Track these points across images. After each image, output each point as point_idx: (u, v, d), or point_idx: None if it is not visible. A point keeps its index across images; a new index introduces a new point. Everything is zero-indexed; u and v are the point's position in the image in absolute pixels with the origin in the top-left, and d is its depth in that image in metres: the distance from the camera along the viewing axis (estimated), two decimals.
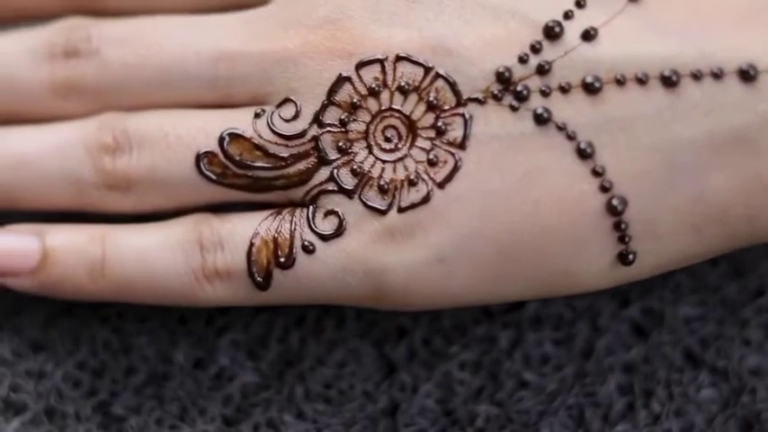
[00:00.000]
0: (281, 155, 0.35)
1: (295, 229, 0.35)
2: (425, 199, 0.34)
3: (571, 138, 0.34)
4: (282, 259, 0.34)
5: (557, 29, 0.34)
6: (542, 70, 0.34)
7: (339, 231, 0.34)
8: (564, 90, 0.34)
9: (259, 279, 0.35)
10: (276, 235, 0.35)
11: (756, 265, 0.39)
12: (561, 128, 0.34)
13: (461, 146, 0.34)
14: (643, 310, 0.39)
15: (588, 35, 0.34)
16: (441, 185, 0.34)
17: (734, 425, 0.38)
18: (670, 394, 0.38)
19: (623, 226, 0.34)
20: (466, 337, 0.39)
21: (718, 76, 0.33)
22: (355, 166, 0.35)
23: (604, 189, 0.34)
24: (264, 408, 0.39)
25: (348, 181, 0.35)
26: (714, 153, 0.33)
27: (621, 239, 0.34)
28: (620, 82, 0.34)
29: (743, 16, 0.34)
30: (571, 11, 0.34)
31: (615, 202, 0.34)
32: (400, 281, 0.34)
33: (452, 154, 0.34)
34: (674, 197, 0.34)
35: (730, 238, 0.34)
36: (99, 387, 0.39)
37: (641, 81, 0.34)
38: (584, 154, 0.34)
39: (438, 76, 0.35)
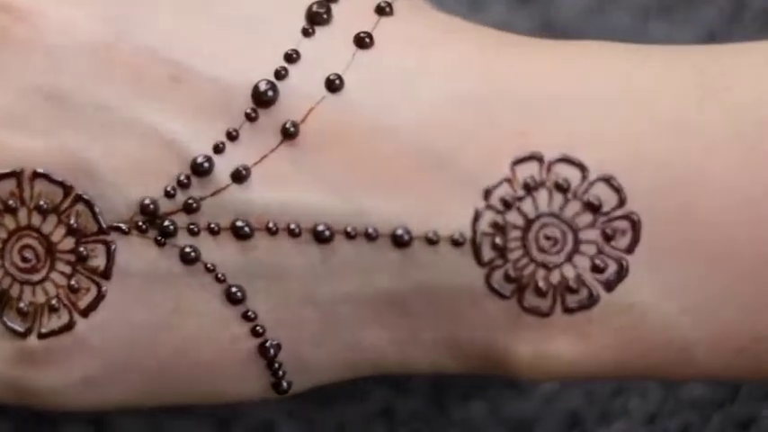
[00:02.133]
0: None
1: None
2: (68, 326, 0.32)
3: (220, 281, 0.32)
4: None
5: (205, 165, 0.31)
6: (190, 208, 0.31)
7: None
8: (213, 231, 0.31)
9: None
10: None
11: None
12: (210, 269, 0.32)
13: (105, 275, 0.32)
14: None
15: (239, 175, 0.31)
16: (84, 314, 0.32)
17: (730, 424, 0.39)
18: (666, 394, 0.39)
19: (276, 365, 0.33)
20: None
21: (371, 237, 0.31)
22: None
23: (257, 333, 0.32)
24: (258, 408, 0.39)
25: None
26: (368, 310, 0.32)
27: (275, 375, 0.33)
28: (272, 231, 0.31)
29: (408, 174, 0.31)
30: (222, 143, 0.31)
31: (267, 345, 0.32)
32: (45, 398, 0.33)
33: (95, 282, 0.32)
34: (328, 345, 0.32)
35: (385, 371, 0.33)
36: None
37: (293, 233, 0.31)
38: (233, 298, 0.32)
39: (79, 198, 0.32)
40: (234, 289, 0.32)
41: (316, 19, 0.32)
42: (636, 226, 0.31)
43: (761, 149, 0.31)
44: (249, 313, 0.32)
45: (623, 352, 0.31)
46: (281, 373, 0.33)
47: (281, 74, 0.31)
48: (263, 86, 0.31)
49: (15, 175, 0.32)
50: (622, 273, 0.31)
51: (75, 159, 0.31)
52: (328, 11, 0.32)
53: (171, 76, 0.31)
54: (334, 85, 0.31)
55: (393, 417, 0.39)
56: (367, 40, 0.32)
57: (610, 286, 0.31)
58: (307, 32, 0.32)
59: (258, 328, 0.32)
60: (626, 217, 0.31)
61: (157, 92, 0.31)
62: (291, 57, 0.32)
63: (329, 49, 0.32)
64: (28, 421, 0.39)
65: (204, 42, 0.32)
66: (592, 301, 0.31)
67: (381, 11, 0.33)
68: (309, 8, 0.32)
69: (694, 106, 0.31)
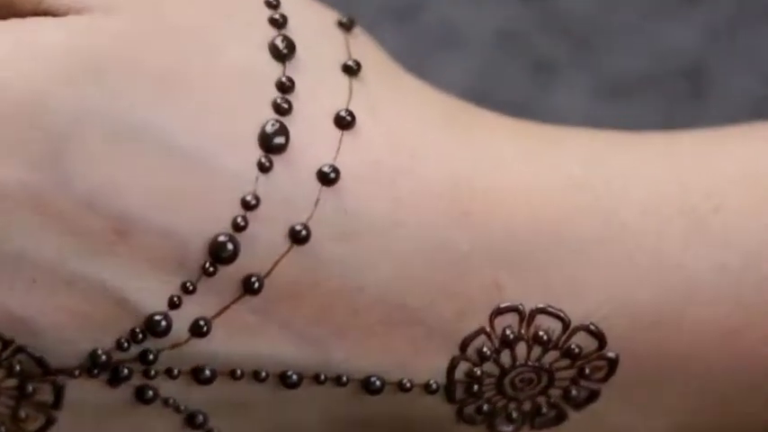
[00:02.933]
0: None
1: None
2: None
3: (179, 411, 0.30)
4: None
5: (162, 323, 0.29)
6: (146, 359, 0.29)
7: None
8: (171, 375, 0.30)
9: None
10: None
11: None
12: (168, 404, 0.30)
13: (54, 407, 0.30)
14: None
15: (199, 330, 0.29)
16: None
17: None
18: None
19: None
20: None
21: (342, 383, 0.30)
22: None
23: None
24: None
25: None
26: (335, 430, 0.31)
27: None
28: (236, 377, 0.30)
29: (380, 325, 0.29)
30: (178, 297, 0.29)
31: None
32: None
33: (45, 413, 0.30)
34: None
35: None
36: None
37: (259, 377, 0.30)
38: (195, 423, 0.30)
39: (20, 349, 0.29)
40: (196, 416, 0.30)
41: (271, 146, 0.28)
42: (613, 363, 0.30)
43: (746, 281, 0.30)
44: (212, 429, 0.31)
45: None
46: None
47: (239, 225, 0.28)
48: (221, 241, 0.28)
49: None
50: (593, 397, 0.31)
51: (12, 316, 0.29)
52: (285, 134, 0.29)
53: (115, 231, 0.28)
54: (299, 236, 0.29)
55: None
56: (332, 175, 0.29)
57: (578, 406, 0.31)
58: (263, 167, 0.28)
59: None
60: (604, 358, 0.30)
61: (101, 247, 0.28)
62: (250, 204, 0.28)
63: (291, 189, 0.29)
64: None
65: (149, 189, 0.28)
66: (560, 419, 0.31)
67: (342, 122, 0.29)
68: (263, 132, 0.28)
69: (679, 243, 0.30)
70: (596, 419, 0.31)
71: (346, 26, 0.31)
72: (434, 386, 0.30)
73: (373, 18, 0.44)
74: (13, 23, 0.28)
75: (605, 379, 0.30)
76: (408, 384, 0.30)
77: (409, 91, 0.31)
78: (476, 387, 0.30)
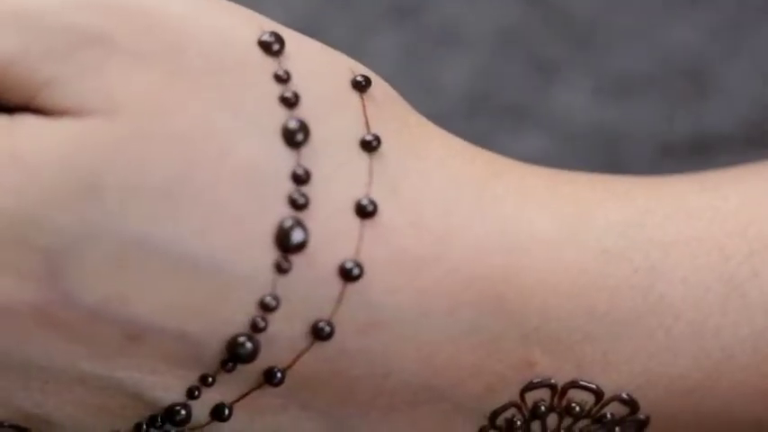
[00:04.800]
0: None
1: None
2: None
3: None
4: None
5: (182, 412, 0.28)
6: None
7: None
8: None
9: None
10: None
11: None
12: None
13: None
14: None
15: (221, 415, 0.29)
16: None
17: None
18: None
19: None
20: None
21: None
22: None
23: None
24: None
25: None
26: None
27: None
28: None
29: (401, 407, 0.29)
30: (197, 388, 0.28)
31: None
32: None
33: None
34: None
35: None
36: None
37: None
38: None
39: None
40: None
41: (289, 246, 0.27)
42: (643, 424, 0.30)
43: None
44: None
45: None
46: None
47: (258, 326, 0.28)
48: (240, 341, 0.28)
49: None
50: None
51: (27, 414, 0.28)
52: (303, 231, 0.27)
53: (127, 336, 0.27)
54: (323, 333, 0.28)
55: None
56: (355, 271, 0.28)
57: None
58: (281, 268, 0.27)
59: None
60: (635, 420, 0.30)
61: (113, 351, 0.27)
62: (269, 306, 0.28)
63: (312, 287, 0.28)
64: None
65: (160, 300, 0.27)
66: None
67: (363, 211, 0.28)
68: (280, 231, 0.27)
69: (717, 311, 0.30)
70: None
71: (362, 86, 0.29)
72: None
73: (373, 18, 0.44)
74: (1, 128, 0.26)
75: None
76: None
77: (433, 158, 0.29)
78: None
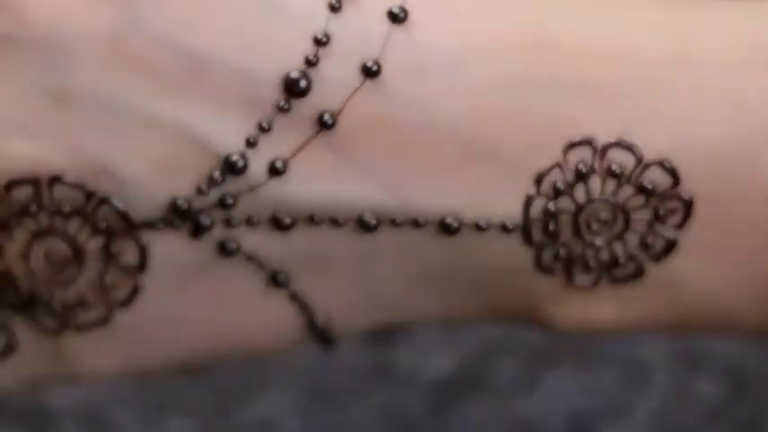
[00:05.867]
0: None
1: None
2: (104, 320, 0.31)
3: (261, 267, 0.31)
4: None
5: (240, 163, 0.29)
6: (225, 204, 0.30)
7: (10, 349, 0.31)
8: (251, 223, 0.30)
9: None
10: None
11: None
12: (250, 258, 0.31)
13: (139, 269, 0.31)
14: None
15: (276, 170, 0.29)
16: (120, 306, 0.31)
17: (735, 423, 0.39)
18: (672, 393, 0.39)
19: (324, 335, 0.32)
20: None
21: (419, 224, 0.30)
22: (22, 289, 0.31)
23: (303, 313, 0.31)
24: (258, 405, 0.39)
25: (18, 300, 0.31)
26: (414, 287, 0.31)
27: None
28: (314, 222, 0.30)
29: (454, 162, 0.30)
30: (255, 137, 0.29)
31: (316, 322, 0.32)
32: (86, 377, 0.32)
33: (129, 276, 0.31)
34: (375, 318, 0.32)
35: None
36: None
37: (336, 223, 0.30)
38: (277, 282, 0.31)
39: (103, 201, 0.30)
40: (277, 274, 0.31)
41: None
42: (688, 205, 0.30)
43: None
44: (294, 294, 0.31)
45: (664, 317, 0.32)
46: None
47: (311, 61, 0.29)
48: (294, 76, 0.29)
49: (31, 182, 0.29)
50: (671, 248, 0.30)
51: (94, 163, 0.29)
52: None
53: (190, 70, 0.29)
54: (371, 72, 0.29)
55: (394, 416, 0.39)
56: (401, 15, 0.29)
57: (657, 258, 0.31)
58: (333, 7, 0.29)
59: (304, 307, 0.31)
60: (679, 197, 0.30)
61: (178, 87, 0.29)
62: (321, 41, 0.29)
63: (360, 27, 0.29)
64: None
65: (223, 30, 0.29)
66: (638, 273, 0.31)
67: None
68: None
69: (756, 89, 0.30)
70: (675, 279, 0.31)
71: None
72: (510, 225, 0.30)
73: None
74: None
75: (682, 224, 0.30)
76: (485, 224, 0.30)
77: None
78: (552, 225, 0.30)
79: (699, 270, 0.31)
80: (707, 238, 0.31)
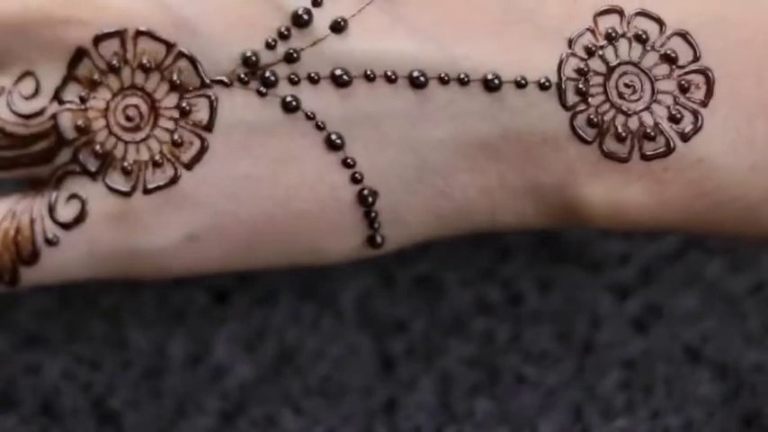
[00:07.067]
0: (21, 134, 0.33)
1: (35, 222, 0.34)
2: (173, 180, 0.33)
3: (320, 128, 0.33)
4: (26, 256, 0.34)
5: (305, 17, 0.33)
6: (291, 58, 0.33)
7: (81, 217, 0.34)
8: (313, 80, 0.33)
9: (6, 278, 0.34)
10: (15, 232, 0.34)
11: (757, 258, 0.40)
12: (310, 117, 0.33)
13: (208, 128, 0.33)
14: (643, 305, 0.40)
15: (338, 26, 0.33)
16: (188, 167, 0.33)
17: (734, 421, 0.39)
18: (669, 390, 0.40)
19: (373, 215, 0.34)
20: (464, 331, 0.39)
21: (464, 82, 0.33)
22: (97, 147, 0.33)
23: (355, 180, 0.34)
24: (262, 402, 0.39)
25: (91, 162, 0.34)
26: (460, 155, 0.34)
27: (371, 226, 0.34)
28: (370, 78, 0.33)
29: (496, 24, 0.33)
30: None
31: (366, 193, 0.34)
32: (150, 262, 0.34)
33: (198, 135, 0.33)
34: (421, 192, 0.34)
35: (472, 225, 0.35)
36: (95, 381, 0.39)
37: (390, 79, 0.33)
38: (333, 145, 0.33)
39: (181, 55, 0.33)
40: (334, 136, 0.33)
41: None
42: (710, 80, 0.33)
43: None
44: (348, 160, 0.34)
45: (691, 204, 0.34)
46: (376, 224, 0.34)
47: None
48: None
49: (119, 34, 0.33)
50: (697, 124, 0.33)
51: (176, 17, 0.33)
52: None
53: None
54: None
55: (396, 411, 0.40)
56: None
57: (685, 137, 0.33)
58: None
59: (357, 174, 0.34)
60: (700, 71, 0.33)
61: None
62: None
63: None
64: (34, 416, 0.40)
65: None
66: (668, 149, 0.33)
67: None
68: None
69: None
70: (703, 161, 0.33)
71: None
72: (547, 83, 0.33)
73: None
74: None
75: (705, 101, 0.33)
76: (523, 81, 0.33)
77: None
78: (584, 86, 0.33)
79: (725, 154, 0.33)
80: (733, 124, 0.33)
